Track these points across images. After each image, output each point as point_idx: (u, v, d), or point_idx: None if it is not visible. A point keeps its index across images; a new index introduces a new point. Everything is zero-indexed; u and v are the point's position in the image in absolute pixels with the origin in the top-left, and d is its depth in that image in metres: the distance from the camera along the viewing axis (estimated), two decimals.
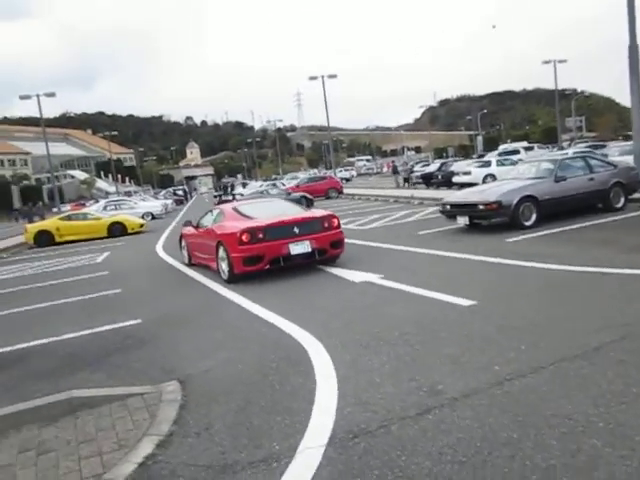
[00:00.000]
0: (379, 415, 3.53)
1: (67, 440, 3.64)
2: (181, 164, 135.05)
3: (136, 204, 31.55)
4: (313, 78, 36.96)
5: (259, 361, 4.85)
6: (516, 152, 34.18)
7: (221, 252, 8.81)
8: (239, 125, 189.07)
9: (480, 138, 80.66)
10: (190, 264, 11.07)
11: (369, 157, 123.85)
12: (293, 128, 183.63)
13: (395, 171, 36.02)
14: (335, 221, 9.02)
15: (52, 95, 31.02)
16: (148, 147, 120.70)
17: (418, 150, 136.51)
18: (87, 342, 6.26)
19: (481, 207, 10.72)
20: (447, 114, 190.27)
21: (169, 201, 38.84)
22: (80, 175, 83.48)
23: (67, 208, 38.23)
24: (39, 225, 21.83)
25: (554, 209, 11.10)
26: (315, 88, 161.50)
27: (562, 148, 40.34)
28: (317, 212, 9.55)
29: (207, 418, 3.81)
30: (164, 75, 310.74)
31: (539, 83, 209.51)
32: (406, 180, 33.67)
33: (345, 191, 31.69)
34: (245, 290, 7.98)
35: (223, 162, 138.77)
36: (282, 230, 8.49)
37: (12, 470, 3.33)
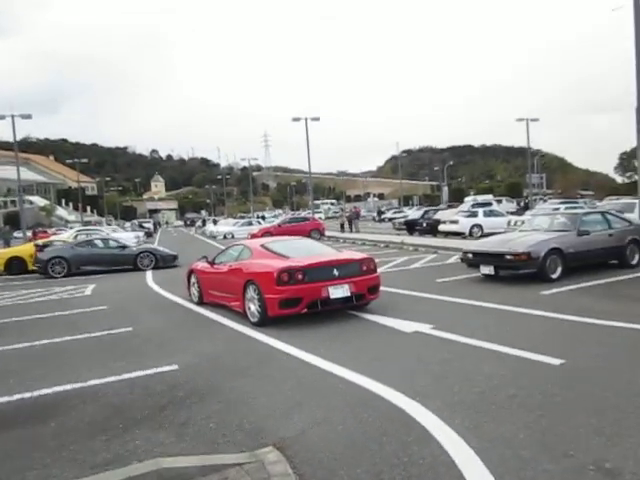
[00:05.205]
0: None
1: None
2: (145, 196, 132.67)
3: (108, 235, 30.22)
4: (296, 119, 36.96)
5: (359, 423, 4.20)
6: (489, 204, 34.84)
7: (251, 292, 8.12)
8: (205, 161, 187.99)
9: (446, 189, 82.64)
10: (200, 302, 10.28)
11: (333, 201, 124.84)
12: (259, 168, 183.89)
13: (355, 217, 35.14)
14: (373, 264, 8.52)
15: (28, 117, 29.74)
16: (111, 177, 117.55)
17: (381, 197, 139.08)
18: (124, 391, 5.42)
19: (509, 257, 10.44)
20: (410, 164, 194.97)
21: (141, 233, 37.54)
22: (39, 201, 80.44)
23: (28, 235, 36.23)
24: (11, 251, 20.35)
25: (577, 263, 10.96)
26: (281, 131, 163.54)
27: (532, 202, 41.50)
28: (354, 254, 9.03)
29: None
30: (131, 107, 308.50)
31: (498, 140, 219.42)
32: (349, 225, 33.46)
33: (327, 233, 31.34)
34: (283, 335, 7.28)
35: (187, 197, 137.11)
36: (322, 271, 7.92)
37: None
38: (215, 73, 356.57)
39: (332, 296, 7.84)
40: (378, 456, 3.64)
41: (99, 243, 19.32)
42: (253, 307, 8.07)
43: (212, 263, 9.82)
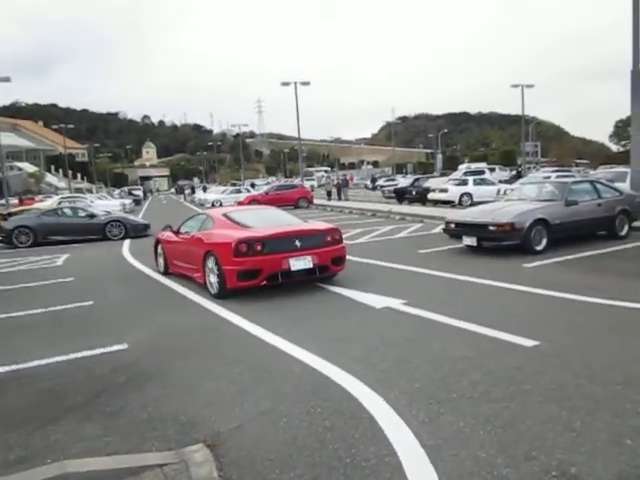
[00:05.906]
0: None
1: None
2: (136, 163, 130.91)
3: (92, 202, 29.54)
4: (285, 84, 35.81)
5: (305, 416, 3.79)
6: (481, 172, 34.26)
7: (210, 263, 7.71)
8: (198, 128, 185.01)
9: (440, 156, 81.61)
10: (166, 273, 9.85)
11: (327, 168, 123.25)
12: (252, 134, 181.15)
13: (345, 185, 35.57)
14: (338, 235, 8.11)
15: (7, 80, 28.63)
16: (102, 144, 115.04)
17: (376, 164, 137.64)
18: (65, 373, 5.01)
19: (492, 228, 10.00)
20: (405, 131, 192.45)
21: (128, 200, 36.80)
22: (28, 168, 78.91)
23: (14, 202, 35.45)
24: None
25: (563, 234, 10.53)
26: (275, 96, 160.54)
27: (527, 170, 40.95)
28: (319, 224, 8.60)
29: None
30: (122, 71, 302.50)
31: (494, 107, 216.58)
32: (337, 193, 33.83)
33: (315, 201, 30.78)
34: (244, 310, 6.87)
35: (179, 164, 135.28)
36: (283, 242, 7.50)
37: None
38: (207, 36, 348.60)
39: (293, 268, 7.44)
40: (318, 456, 3.23)
41: (67, 212, 18.57)
42: (213, 279, 7.69)
43: (177, 232, 9.37)
